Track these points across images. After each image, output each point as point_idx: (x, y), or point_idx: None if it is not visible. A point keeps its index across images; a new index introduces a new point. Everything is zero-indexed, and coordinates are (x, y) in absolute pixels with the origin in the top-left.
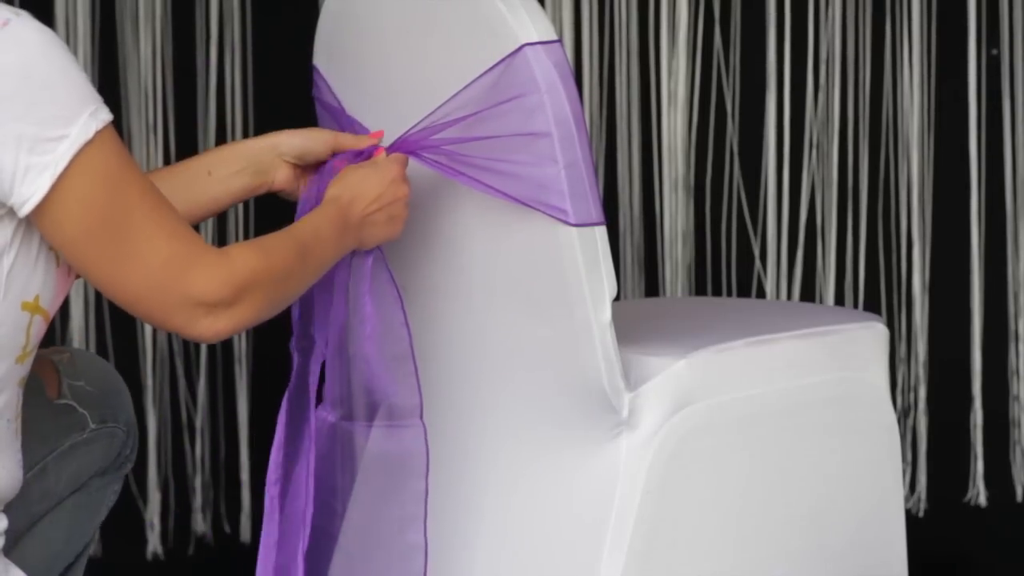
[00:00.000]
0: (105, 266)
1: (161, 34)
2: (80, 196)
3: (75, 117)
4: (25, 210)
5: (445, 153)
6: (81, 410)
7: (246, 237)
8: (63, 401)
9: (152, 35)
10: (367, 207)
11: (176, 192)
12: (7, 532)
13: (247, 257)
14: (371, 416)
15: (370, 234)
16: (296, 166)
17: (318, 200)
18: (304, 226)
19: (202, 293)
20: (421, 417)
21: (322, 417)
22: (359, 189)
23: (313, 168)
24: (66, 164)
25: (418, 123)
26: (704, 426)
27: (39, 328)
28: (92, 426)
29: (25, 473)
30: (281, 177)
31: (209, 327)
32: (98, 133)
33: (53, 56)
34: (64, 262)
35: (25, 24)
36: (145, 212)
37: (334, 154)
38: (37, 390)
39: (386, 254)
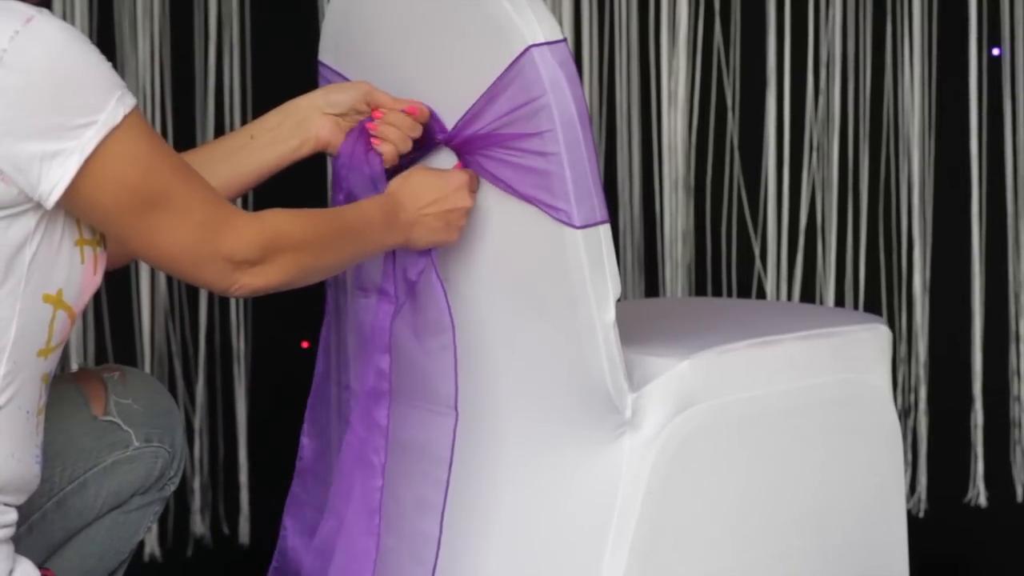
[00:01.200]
0: (142, 235)
1: (160, 34)
2: (113, 176)
3: (102, 105)
4: (55, 195)
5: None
6: (126, 428)
7: None
8: (108, 418)
9: (151, 35)
10: (423, 208)
11: (218, 164)
12: (19, 524)
13: (279, 220)
14: (403, 395)
15: (420, 235)
16: (337, 120)
17: (353, 157)
18: (352, 207)
19: (231, 250)
20: (456, 407)
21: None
22: (419, 189)
23: (352, 124)
24: (94, 147)
25: (456, 126)
26: (707, 427)
27: (63, 324)
28: (136, 444)
29: (65, 486)
30: (324, 132)
31: (236, 281)
32: (126, 117)
33: (77, 49)
34: (89, 260)
35: (48, 20)
36: (177, 184)
37: (373, 111)
38: (82, 406)
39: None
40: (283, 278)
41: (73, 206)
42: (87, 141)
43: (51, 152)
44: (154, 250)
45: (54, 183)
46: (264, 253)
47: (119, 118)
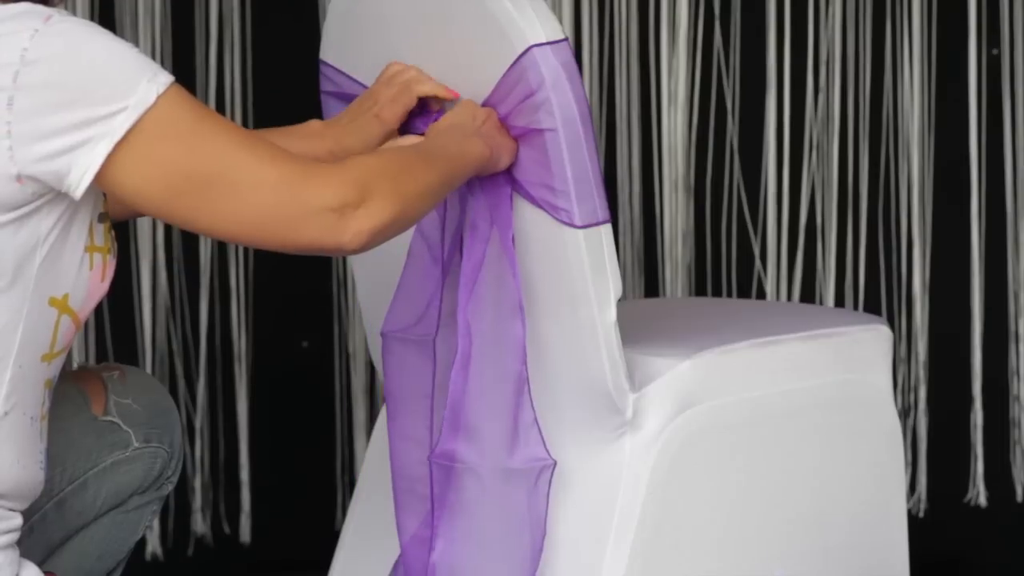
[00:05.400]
0: (212, 212)
1: (161, 34)
2: (157, 159)
3: (131, 90)
4: (84, 183)
5: None
6: (126, 428)
7: None
8: (108, 418)
9: (151, 34)
10: (473, 122)
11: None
12: (23, 529)
13: (364, 159)
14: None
15: (494, 144)
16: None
17: None
18: (428, 141)
19: (323, 198)
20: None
21: None
22: (457, 116)
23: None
24: (125, 131)
25: None
26: (708, 427)
27: (67, 329)
28: (136, 445)
29: (65, 487)
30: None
31: (347, 230)
32: (160, 97)
33: (98, 40)
34: (97, 267)
35: (66, 16)
36: (236, 149)
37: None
38: (82, 406)
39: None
40: (392, 210)
41: (122, 195)
42: (117, 126)
43: (80, 141)
44: (234, 224)
45: (83, 170)
46: (361, 190)
47: (152, 99)
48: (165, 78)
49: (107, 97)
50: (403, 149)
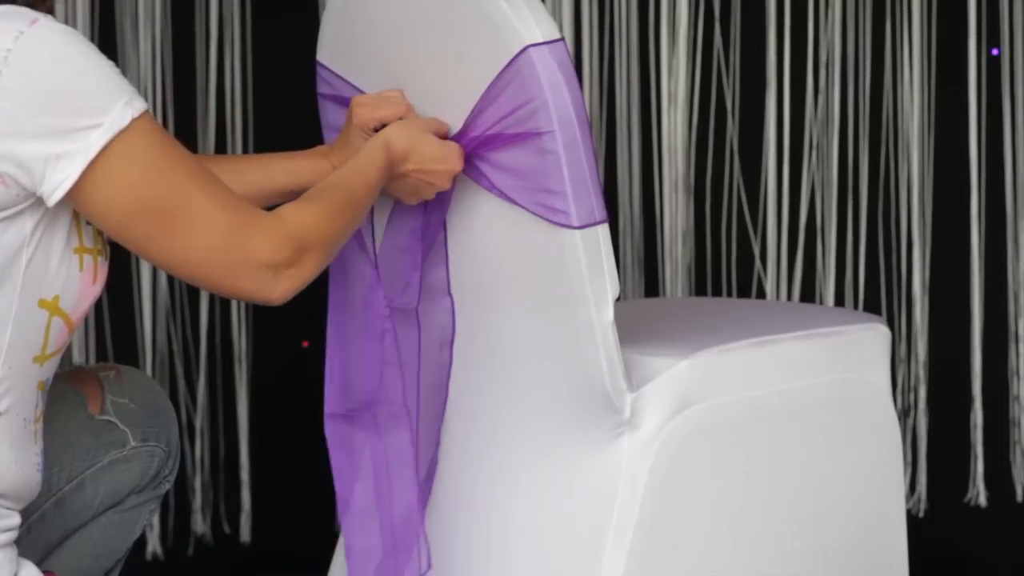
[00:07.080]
0: (161, 244)
1: (161, 34)
2: (122, 182)
3: (109, 107)
4: (57, 196)
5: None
6: (122, 427)
7: None
8: (104, 418)
9: (152, 35)
10: (416, 166)
11: (247, 172)
12: (22, 528)
13: (300, 216)
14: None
15: (397, 187)
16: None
17: None
18: (351, 174)
19: (264, 256)
20: (449, 292)
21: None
22: (420, 147)
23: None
24: (98, 151)
25: (461, 131)
26: (706, 427)
27: (60, 331)
28: (132, 444)
29: (63, 487)
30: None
31: (277, 287)
32: (134, 120)
33: (81, 52)
34: (88, 268)
35: (52, 23)
36: (195, 190)
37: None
38: (79, 405)
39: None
40: (315, 271)
41: (84, 210)
42: (92, 143)
43: (56, 153)
44: (179, 261)
45: (57, 183)
46: (297, 248)
47: (126, 121)
48: (140, 104)
49: (84, 109)
50: (335, 195)
